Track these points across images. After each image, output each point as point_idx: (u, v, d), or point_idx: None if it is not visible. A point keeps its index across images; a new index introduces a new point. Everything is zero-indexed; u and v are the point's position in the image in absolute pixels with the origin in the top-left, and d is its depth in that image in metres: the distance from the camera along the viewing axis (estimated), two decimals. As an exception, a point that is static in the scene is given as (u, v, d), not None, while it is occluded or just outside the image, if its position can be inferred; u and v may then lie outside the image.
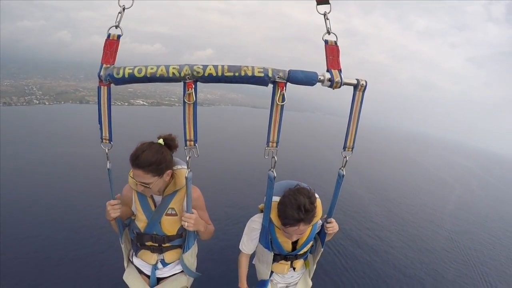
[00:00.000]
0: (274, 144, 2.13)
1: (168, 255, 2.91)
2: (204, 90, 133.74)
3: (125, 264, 3.05)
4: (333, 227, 2.74)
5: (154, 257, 2.90)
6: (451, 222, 23.43)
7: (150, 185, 2.46)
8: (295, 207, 2.33)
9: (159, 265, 2.96)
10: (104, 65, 1.95)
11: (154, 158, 2.41)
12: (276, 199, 2.57)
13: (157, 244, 2.81)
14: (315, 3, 2.01)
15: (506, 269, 16.56)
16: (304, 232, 2.56)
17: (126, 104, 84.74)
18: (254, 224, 2.79)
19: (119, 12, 1.96)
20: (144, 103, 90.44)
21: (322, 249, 2.96)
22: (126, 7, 1.99)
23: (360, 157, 45.93)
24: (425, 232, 20.15)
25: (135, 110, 77.28)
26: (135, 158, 2.42)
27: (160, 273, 3.00)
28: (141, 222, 2.73)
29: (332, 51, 2.04)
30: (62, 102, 71.30)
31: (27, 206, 15.57)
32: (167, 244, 2.82)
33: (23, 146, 27.32)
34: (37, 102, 67.17)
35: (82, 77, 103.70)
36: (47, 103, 68.21)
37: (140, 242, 2.84)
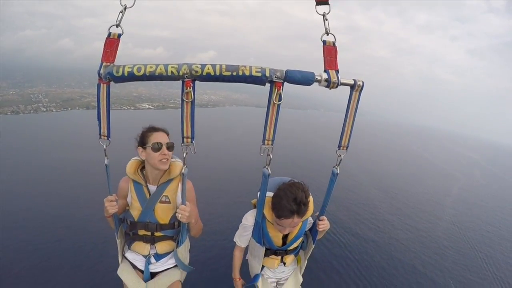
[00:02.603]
0: (270, 142, 2.16)
1: (160, 246, 2.97)
2: (208, 92, 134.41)
3: (120, 259, 3.12)
4: (324, 224, 2.78)
5: (147, 248, 2.96)
6: (453, 212, 23.77)
7: (172, 145, 2.81)
8: (291, 199, 2.41)
9: (152, 260, 3.00)
10: (104, 63, 2.02)
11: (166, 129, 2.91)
12: (269, 194, 2.64)
13: (149, 233, 2.87)
14: (314, 3, 2.02)
15: (505, 257, 17.10)
16: (297, 225, 2.67)
17: (132, 108, 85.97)
18: (248, 221, 2.90)
19: (120, 11, 1.99)
20: (150, 106, 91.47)
21: (313, 246, 3.03)
22: (127, 6, 2.03)
23: (364, 151, 45.80)
24: (425, 222, 20.51)
25: (141, 114, 78.02)
26: (152, 126, 2.86)
27: (153, 268, 3.05)
28: (136, 210, 2.83)
29: (330, 51, 2.05)
30: (69, 109, 72.31)
31: (28, 211, 15.61)
32: (159, 234, 2.89)
33: (35, 153, 27.77)
34: (44, 109, 68.01)
35: (86, 83, 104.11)
36: (54, 110, 69.19)
37: (133, 230, 2.89)
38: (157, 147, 2.67)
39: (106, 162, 2.47)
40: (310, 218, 2.90)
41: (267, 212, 2.69)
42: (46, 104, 71.61)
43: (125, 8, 2.01)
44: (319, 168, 31.61)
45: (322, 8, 2.01)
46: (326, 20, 2.00)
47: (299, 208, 2.43)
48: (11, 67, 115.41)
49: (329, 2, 1.98)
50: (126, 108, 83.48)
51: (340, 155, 2.34)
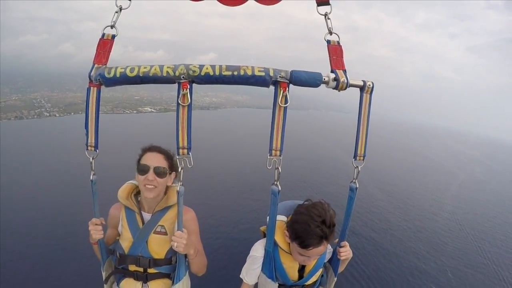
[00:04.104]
0: (278, 153, 1.88)
1: (154, 285, 2.46)
2: (210, 94, 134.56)
3: None
4: (346, 251, 2.32)
5: (138, 286, 2.45)
6: (451, 209, 23.96)
7: (163, 170, 2.24)
8: (320, 222, 1.98)
9: None
10: (96, 65, 1.88)
11: (167, 150, 2.36)
12: (281, 218, 2.28)
13: (141, 269, 2.40)
14: (315, 4, 1.97)
15: (501, 250, 17.50)
16: (322, 252, 2.22)
17: (135, 112, 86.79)
18: (256, 252, 2.40)
19: (116, 12, 1.91)
20: (152, 110, 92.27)
21: (335, 279, 2.52)
22: (123, 7, 1.92)
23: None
24: (423, 218, 20.58)
25: (144, 117, 78.89)
26: (150, 145, 2.37)
27: None
28: (126, 241, 2.37)
29: (335, 51, 1.94)
30: (72, 113, 72.70)
31: (30, 214, 16.25)
32: (153, 270, 2.41)
33: (40, 159, 28.54)
34: (48, 114, 68.87)
35: None
36: (57, 115, 70.13)
37: (122, 265, 2.42)
38: (142, 170, 2.23)
39: (91, 178, 2.09)
40: (329, 247, 2.39)
41: (279, 238, 2.25)
42: (49, 109, 72.29)
43: (120, 9, 1.92)
44: (321, 168, 31.98)
45: (324, 9, 1.96)
46: (329, 19, 1.96)
47: (330, 231, 2.02)
48: (12, 72, 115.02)
49: (330, 2, 1.96)
50: (129, 111, 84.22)
51: (357, 167, 2.02)
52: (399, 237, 16.98)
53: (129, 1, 1.91)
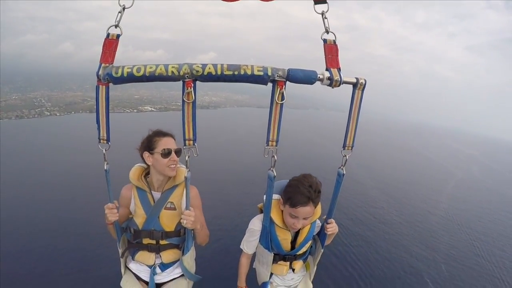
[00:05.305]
0: (274, 143, 2.12)
1: (166, 255, 2.82)
2: (209, 93, 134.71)
3: (122, 271, 2.97)
4: (333, 227, 2.68)
5: (151, 257, 2.82)
6: (446, 207, 24.07)
7: (180, 150, 2.62)
8: (307, 185, 2.36)
9: (158, 270, 2.86)
10: (103, 64, 1.97)
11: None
12: (276, 197, 2.60)
13: (154, 242, 2.75)
14: (313, 2, 2.01)
15: (495, 248, 17.83)
16: (310, 215, 2.53)
17: (135, 111, 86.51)
18: (255, 225, 2.78)
19: (119, 12, 1.96)
20: (152, 109, 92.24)
21: (322, 250, 2.90)
22: (126, 6, 1.99)
23: (363, 149, 45.41)
24: (418, 216, 21.05)
25: (145, 116, 78.96)
26: (162, 131, 2.70)
27: (159, 278, 2.92)
28: (140, 217, 2.70)
29: (331, 50, 2.03)
30: (73, 112, 72.97)
31: (31, 214, 16.24)
32: (164, 242, 2.76)
33: (42, 158, 28.47)
34: (48, 113, 68.74)
35: (88, 87, 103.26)
36: (58, 114, 70.08)
37: (137, 239, 2.76)
38: (165, 153, 2.57)
39: (105, 167, 2.34)
40: (318, 221, 2.81)
41: (275, 215, 2.63)
42: (50, 108, 72.28)
43: (123, 9, 1.98)
44: (322, 168, 32.26)
45: (321, 7, 2.00)
46: (326, 18, 2.01)
47: (316, 195, 2.40)
48: (12, 72, 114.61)
49: (327, 0, 1.99)
50: (129, 110, 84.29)
51: (345, 155, 2.28)
52: (393, 233, 17.30)
53: (132, 0, 1.99)
